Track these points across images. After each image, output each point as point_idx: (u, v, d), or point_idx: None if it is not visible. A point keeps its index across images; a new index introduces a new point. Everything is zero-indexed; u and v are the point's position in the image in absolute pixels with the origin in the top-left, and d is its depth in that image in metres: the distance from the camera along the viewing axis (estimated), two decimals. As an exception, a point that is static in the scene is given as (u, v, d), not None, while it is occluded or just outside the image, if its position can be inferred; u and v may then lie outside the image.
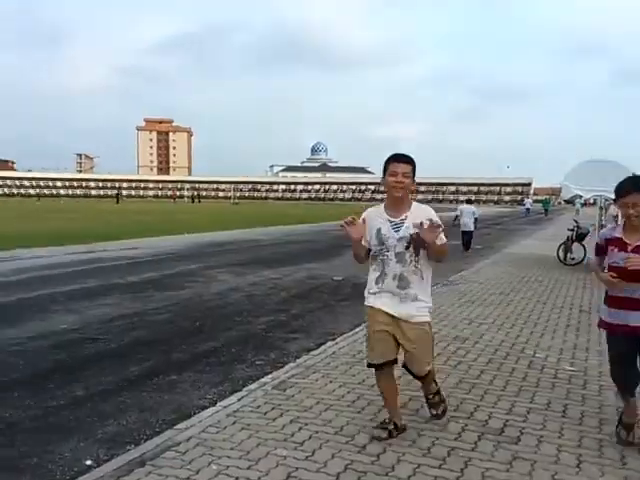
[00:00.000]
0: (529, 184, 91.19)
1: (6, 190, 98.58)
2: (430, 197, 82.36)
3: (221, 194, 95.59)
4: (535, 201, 62.44)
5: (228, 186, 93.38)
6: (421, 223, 2.81)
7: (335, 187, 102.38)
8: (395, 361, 3.06)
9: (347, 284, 8.85)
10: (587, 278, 9.24)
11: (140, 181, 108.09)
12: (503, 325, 5.88)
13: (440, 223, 2.83)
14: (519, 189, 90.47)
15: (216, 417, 3.39)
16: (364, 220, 2.94)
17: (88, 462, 3.00)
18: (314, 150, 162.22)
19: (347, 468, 2.75)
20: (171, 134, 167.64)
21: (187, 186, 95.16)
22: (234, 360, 4.82)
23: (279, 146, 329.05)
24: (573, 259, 11.54)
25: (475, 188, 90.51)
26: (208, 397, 3.93)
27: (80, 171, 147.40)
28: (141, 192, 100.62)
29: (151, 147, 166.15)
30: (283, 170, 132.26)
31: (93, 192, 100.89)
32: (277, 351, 5.11)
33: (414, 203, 2.99)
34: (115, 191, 79.27)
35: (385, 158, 2.97)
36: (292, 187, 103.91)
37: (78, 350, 5.12)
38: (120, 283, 8.94)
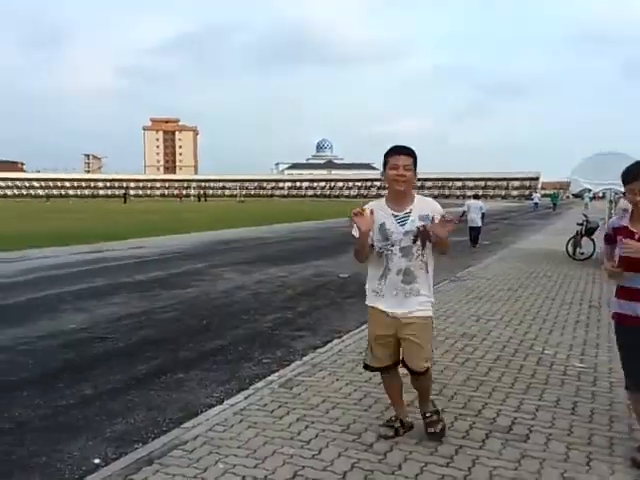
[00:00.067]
0: (537, 178, 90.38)
1: (16, 191, 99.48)
2: (436, 193, 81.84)
3: (227, 192, 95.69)
4: (543, 195, 61.82)
5: (234, 184, 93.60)
6: (432, 218, 2.77)
7: (341, 184, 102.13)
8: (398, 362, 3.01)
9: (353, 281, 8.83)
10: (597, 273, 9.15)
11: (147, 180, 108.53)
12: (511, 321, 5.84)
13: (450, 217, 2.78)
14: (527, 183, 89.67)
15: (223, 415, 3.39)
16: (372, 211, 2.82)
17: (96, 461, 3.02)
18: (319, 147, 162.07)
19: (354, 467, 2.74)
20: (177, 133, 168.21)
21: (193, 185, 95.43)
22: (241, 358, 4.83)
23: (284, 144, 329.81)
24: (582, 254, 11.43)
25: (482, 183, 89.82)
26: (215, 395, 3.94)
27: (88, 171, 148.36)
28: (148, 191, 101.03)
29: (157, 147, 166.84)
30: (288, 168, 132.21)
31: (101, 192, 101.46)
32: (284, 349, 5.10)
33: (417, 196, 2.93)
34: (122, 191, 79.67)
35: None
36: (298, 184, 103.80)
37: (87, 349, 5.16)
38: (127, 282, 8.99)
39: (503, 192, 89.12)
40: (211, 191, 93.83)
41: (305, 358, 4.61)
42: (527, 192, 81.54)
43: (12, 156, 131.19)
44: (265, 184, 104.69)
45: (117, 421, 3.54)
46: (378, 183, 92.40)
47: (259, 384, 3.97)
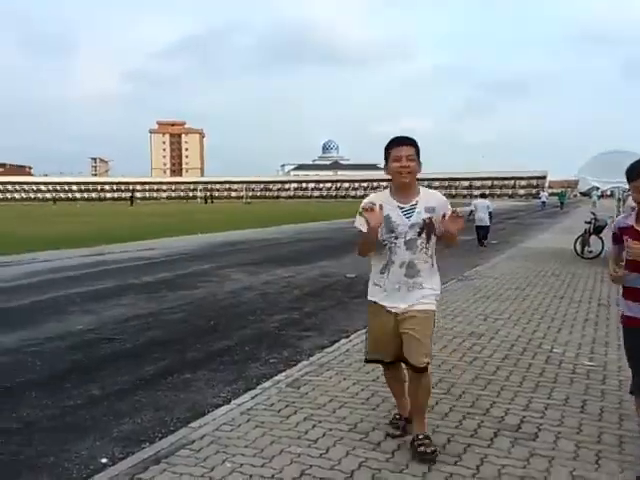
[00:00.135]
0: (544, 177, 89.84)
1: (23, 194, 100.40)
2: (443, 192, 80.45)
3: (233, 194, 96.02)
4: (550, 194, 61.43)
5: (240, 186, 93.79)
6: (443, 215, 2.73)
7: (347, 185, 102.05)
8: (399, 358, 2.94)
9: (360, 281, 8.80)
10: (605, 271, 9.05)
11: (154, 183, 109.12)
12: (519, 320, 5.80)
13: (458, 212, 2.76)
14: (534, 182, 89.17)
15: (230, 415, 3.39)
16: (381, 206, 2.75)
17: (104, 460, 3.03)
18: (325, 148, 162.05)
19: (361, 465, 2.73)
20: (183, 136, 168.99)
21: (200, 187, 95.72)
22: (248, 358, 4.83)
23: (289, 145, 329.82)
24: (591, 252, 11.34)
25: (489, 182, 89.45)
26: (222, 395, 3.94)
27: (95, 175, 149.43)
28: (155, 194, 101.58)
29: (164, 149, 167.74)
30: (294, 169, 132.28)
31: (108, 195, 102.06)
32: (291, 349, 5.10)
33: (422, 188, 2.88)
34: (129, 194, 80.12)
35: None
36: (304, 185, 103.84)
37: (94, 350, 5.18)
38: (135, 283, 9.03)
39: (510, 191, 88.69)
40: (217, 193, 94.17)
41: (312, 358, 4.60)
42: (534, 191, 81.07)
43: (20, 161, 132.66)
44: (271, 185, 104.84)
45: (124, 421, 3.55)
46: (384, 183, 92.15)
47: (266, 384, 3.97)
